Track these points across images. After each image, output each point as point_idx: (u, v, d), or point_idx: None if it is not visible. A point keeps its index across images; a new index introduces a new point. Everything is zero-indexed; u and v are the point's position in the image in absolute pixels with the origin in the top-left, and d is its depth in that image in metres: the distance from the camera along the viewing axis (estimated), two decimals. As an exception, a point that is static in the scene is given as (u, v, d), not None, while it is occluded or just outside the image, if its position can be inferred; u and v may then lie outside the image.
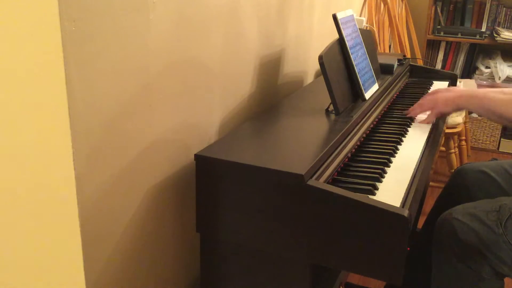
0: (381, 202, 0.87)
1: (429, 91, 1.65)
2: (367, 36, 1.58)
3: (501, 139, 3.25)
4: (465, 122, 2.67)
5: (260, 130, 1.15)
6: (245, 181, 0.95)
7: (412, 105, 1.52)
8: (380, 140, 1.25)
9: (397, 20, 2.88)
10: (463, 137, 2.70)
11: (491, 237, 1.13)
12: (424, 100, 1.42)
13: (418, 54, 3.14)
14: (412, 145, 1.24)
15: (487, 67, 3.22)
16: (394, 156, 1.16)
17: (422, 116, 1.43)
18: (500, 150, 3.27)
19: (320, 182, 0.93)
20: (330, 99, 1.23)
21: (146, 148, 0.95)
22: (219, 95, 1.21)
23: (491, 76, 3.18)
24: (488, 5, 3.26)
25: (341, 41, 1.33)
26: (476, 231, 1.15)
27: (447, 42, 3.36)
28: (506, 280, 1.24)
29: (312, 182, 0.90)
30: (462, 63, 3.36)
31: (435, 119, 1.42)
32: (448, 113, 1.43)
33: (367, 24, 2.59)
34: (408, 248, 0.87)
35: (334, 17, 1.31)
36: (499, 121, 1.34)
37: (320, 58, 1.20)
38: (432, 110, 1.40)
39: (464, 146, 2.71)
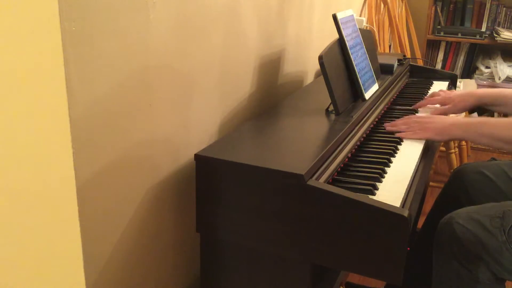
0: (381, 202, 0.87)
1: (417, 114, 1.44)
2: (367, 36, 1.58)
3: (501, 139, 3.24)
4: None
5: (260, 130, 1.15)
6: (245, 181, 0.95)
7: (412, 105, 1.52)
8: (380, 140, 1.25)
9: (397, 20, 2.88)
10: (463, 137, 2.69)
11: (493, 243, 1.13)
12: (411, 122, 1.30)
13: (418, 54, 3.14)
14: (412, 145, 1.24)
15: (487, 67, 3.21)
16: (394, 156, 1.16)
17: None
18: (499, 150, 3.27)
19: (320, 182, 0.93)
20: (330, 99, 1.23)
21: (146, 147, 0.95)
22: (219, 95, 1.21)
23: (491, 76, 3.18)
24: (488, 5, 3.26)
25: (341, 41, 1.33)
26: (478, 237, 1.14)
27: (447, 42, 3.36)
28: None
29: (312, 182, 0.90)
30: (462, 63, 3.36)
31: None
32: (439, 142, 1.27)
33: (367, 24, 2.59)
34: (408, 248, 0.87)
35: (334, 17, 1.31)
36: (505, 147, 1.18)
37: (320, 58, 1.20)
38: (419, 134, 1.27)
39: (464, 146, 2.71)
